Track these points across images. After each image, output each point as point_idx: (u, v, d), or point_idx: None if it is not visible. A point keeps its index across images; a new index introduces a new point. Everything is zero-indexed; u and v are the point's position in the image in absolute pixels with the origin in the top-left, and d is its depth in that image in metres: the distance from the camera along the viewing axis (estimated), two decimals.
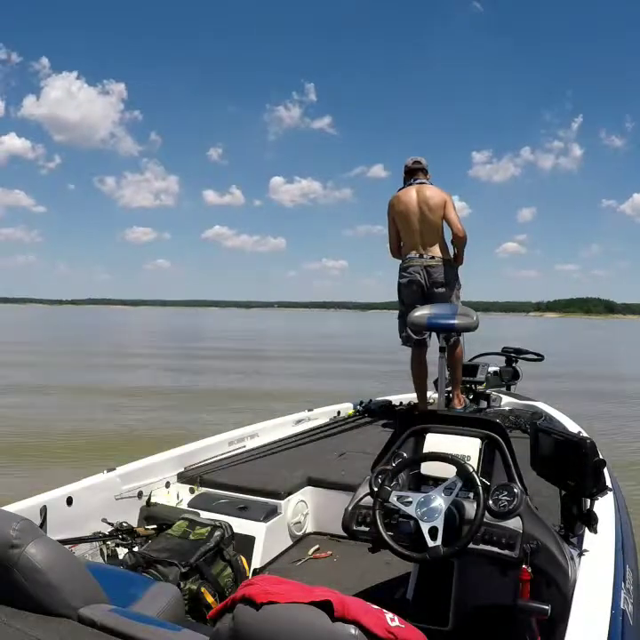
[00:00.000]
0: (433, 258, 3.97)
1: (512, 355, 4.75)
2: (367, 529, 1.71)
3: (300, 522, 2.62)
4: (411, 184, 4.11)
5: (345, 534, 1.78)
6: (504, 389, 4.55)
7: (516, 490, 1.60)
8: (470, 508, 1.57)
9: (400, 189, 4.15)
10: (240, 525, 2.32)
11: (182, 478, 2.71)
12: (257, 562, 2.32)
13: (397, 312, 4.14)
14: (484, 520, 1.54)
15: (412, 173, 4.16)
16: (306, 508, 2.68)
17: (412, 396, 4.52)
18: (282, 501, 2.55)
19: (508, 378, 4.63)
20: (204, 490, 2.66)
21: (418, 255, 3.98)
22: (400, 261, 4.11)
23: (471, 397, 4.20)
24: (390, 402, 4.40)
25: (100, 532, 2.12)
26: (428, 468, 1.75)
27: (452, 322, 3.59)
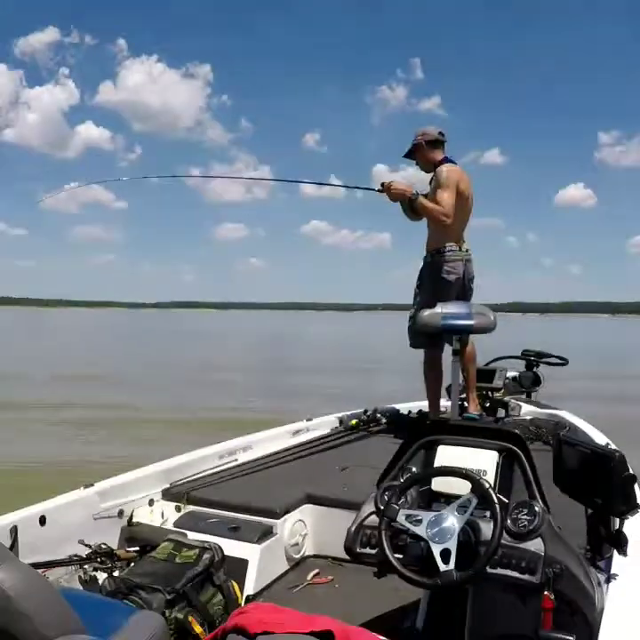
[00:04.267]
0: (467, 251, 3.99)
1: (532, 358, 4.76)
2: (372, 551, 1.71)
3: (297, 543, 2.63)
4: (455, 163, 4.01)
5: (348, 557, 1.79)
6: (524, 397, 4.55)
7: (536, 508, 1.61)
8: (486, 529, 1.57)
9: (450, 162, 4.00)
10: (231, 547, 2.32)
11: (167, 495, 2.71)
12: (250, 588, 2.33)
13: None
14: (502, 542, 1.54)
15: (442, 147, 4.10)
16: (304, 529, 2.68)
17: (422, 404, 4.52)
18: (278, 521, 2.55)
19: (528, 384, 4.64)
20: (191, 508, 2.66)
21: (457, 248, 3.95)
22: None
23: (488, 405, 4.20)
24: (398, 410, 4.41)
25: (76, 555, 2.12)
26: (439, 484, 1.75)
27: (469, 322, 3.58)
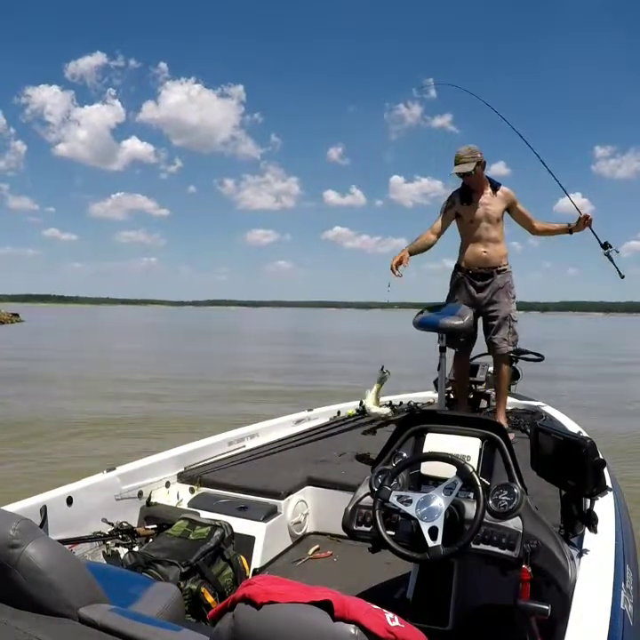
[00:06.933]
0: None
1: (512, 355, 4.75)
2: (367, 529, 1.71)
3: (299, 522, 2.62)
4: None
5: (345, 534, 1.78)
6: None
7: (516, 490, 1.60)
8: (470, 508, 1.57)
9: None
10: (240, 525, 2.32)
11: (182, 478, 2.71)
12: (257, 562, 2.32)
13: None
14: (484, 520, 1.54)
15: None
16: (306, 508, 2.68)
17: (412, 396, 4.53)
18: (282, 501, 2.54)
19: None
20: (204, 490, 2.66)
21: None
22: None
23: (471, 397, 4.20)
24: (390, 402, 4.40)
25: (100, 532, 2.12)
26: (428, 468, 1.75)
27: (439, 320, 3.51)
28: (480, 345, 4.89)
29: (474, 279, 3.72)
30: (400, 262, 3.64)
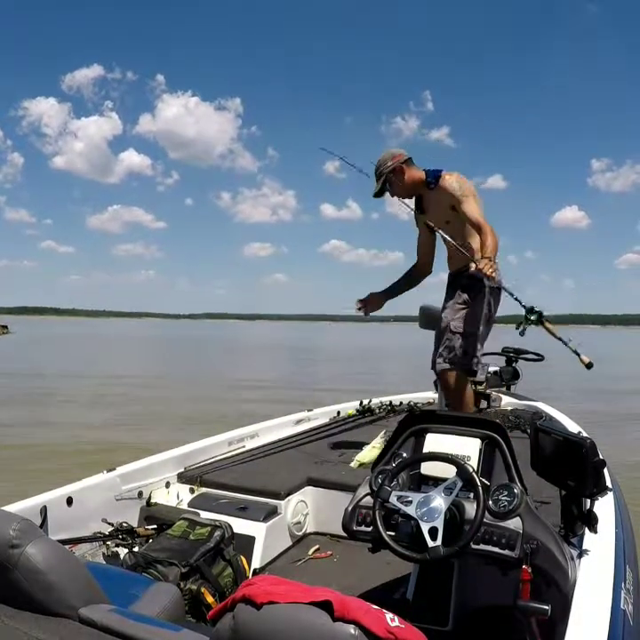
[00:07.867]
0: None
1: (512, 355, 4.75)
2: (367, 529, 1.71)
3: (299, 522, 2.62)
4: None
5: (345, 534, 1.78)
6: (504, 389, 4.55)
7: (516, 490, 1.60)
8: (470, 509, 1.57)
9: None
10: (240, 525, 2.32)
11: (182, 478, 2.71)
12: (257, 562, 2.32)
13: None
14: (484, 520, 1.54)
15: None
16: (306, 508, 2.68)
17: (412, 396, 4.53)
18: (282, 501, 2.55)
19: (508, 378, 4.63)
20: (204, 490, 2.66)
21: None
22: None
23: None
24: (390, 402, 4.41)
25: (100, 532, 2.12)
26: (428, 469, 1.75)
27: None
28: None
29: (449, 284, 3.41)
30: (366, 306, 3.38)
